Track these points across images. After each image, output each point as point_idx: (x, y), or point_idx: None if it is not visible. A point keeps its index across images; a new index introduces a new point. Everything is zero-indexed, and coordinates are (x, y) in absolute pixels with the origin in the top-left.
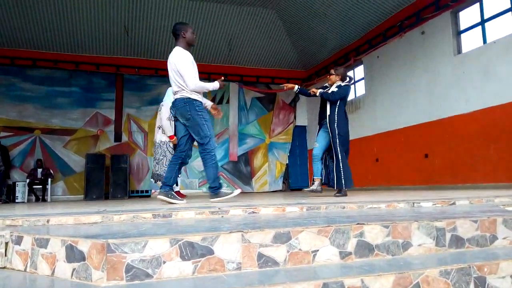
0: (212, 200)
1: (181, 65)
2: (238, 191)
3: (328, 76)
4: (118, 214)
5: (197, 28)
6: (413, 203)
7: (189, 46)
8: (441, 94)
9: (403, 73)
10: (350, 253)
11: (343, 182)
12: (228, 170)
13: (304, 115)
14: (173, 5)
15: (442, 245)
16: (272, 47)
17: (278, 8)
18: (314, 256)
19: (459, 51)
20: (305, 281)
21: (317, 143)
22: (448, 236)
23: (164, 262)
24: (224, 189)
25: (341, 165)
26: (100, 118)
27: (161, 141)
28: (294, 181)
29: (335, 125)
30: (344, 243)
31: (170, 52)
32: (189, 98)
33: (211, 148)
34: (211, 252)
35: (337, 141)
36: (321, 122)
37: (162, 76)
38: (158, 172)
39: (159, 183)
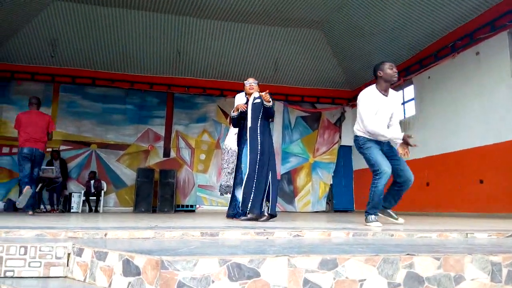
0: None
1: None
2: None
3: None
4: (169, 231)
5: (245, 49)
6: (467, 233)
7: (386, 83)
8: (496, 118)
9: (455, 95)
10: (399, 285)
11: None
12: None
13: (350, 135)
14: (222, 28)
15: (498, 281)
16: (318, 67)
17: (324, 28)
18: (361, 285)
19: None
20: None
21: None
22: (504, 271)
23: (213, 282)
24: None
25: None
26: (151, 134)
27: (230, 148)
28: (338, 202)
29: None
30: (392, 273)
31: (218, 74)
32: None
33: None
34: (257, 274)
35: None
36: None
37: (209, 95)
38: (228, 184)
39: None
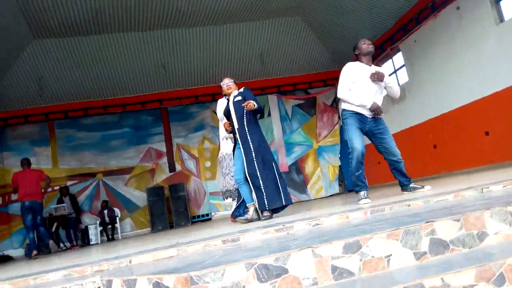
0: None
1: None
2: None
3: None
4: (191, 245)
5: (229, 49)
6: (482, 188)
7: (365, 56)
8: (489, 67)
9: (444, 53)
10: (424, 253)
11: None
12: None
13: None
14: (203, 33)
15: None
16: (304, 53)
17: (304, 13)
18: (388, 261)
19: (501, 19)
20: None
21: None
22: None
23: (244, 287)
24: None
25: None
26: (153, 153)
27: (226, 154)
28: (350, 182)
29: None
30: (416, 243)
31: (207, 79)
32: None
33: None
34: (285, 271)
35: None
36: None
37: (202, 102)
38: (228, 188)
39: (230, 200)
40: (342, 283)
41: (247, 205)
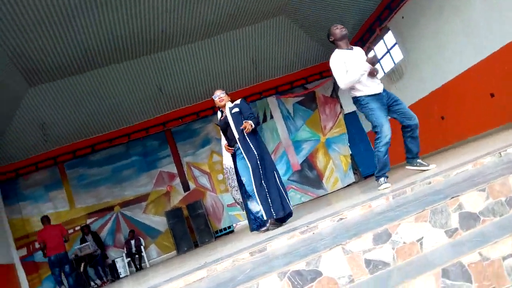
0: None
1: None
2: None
3: None
4: (219, 263)
5: (222, 60)
6: (500, 152)
7: (341, 41)
8: (483, 28)
9: (434, 22)
10: (456, 229)
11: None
12: (295, 180)
13: (350, 101)
14: (194, 50)
15: None
16: (296, 49)
17: (287, 11)
18: (420, 244)
19: None
20: (422, 273)
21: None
22: None
23: None
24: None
25: None
26: (165, 176)
27: (230, 167)
28: (365, 169)
29: None
30: (446, 221)
31: (205, 93)
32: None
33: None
34: (319, 274)
35: None
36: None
37: (204, 117)
38: (237, 198)
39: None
40: (379, 276)
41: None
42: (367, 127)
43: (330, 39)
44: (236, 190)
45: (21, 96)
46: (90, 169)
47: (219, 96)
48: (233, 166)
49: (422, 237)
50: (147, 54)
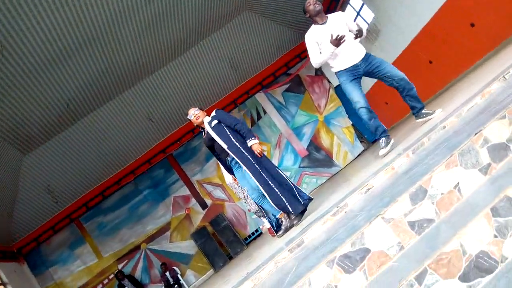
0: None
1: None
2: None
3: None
4: (261, 270)
5: (201, 72)
6: (503, 76)
7: (317, 16)
8: None
9: None
10: (489, 164)
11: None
12: (307, 166)
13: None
14: (172, 70)
15: None
16: (269, 39)
17: (249, 6)
18: (458, 190)
19: None
20: (471, 219)
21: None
22: None
23: (336, 286)
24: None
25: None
26: (180, 200)
27: (230, 183)
28: (369, 134)
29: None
30: (476, 159)
31: (192, 107)
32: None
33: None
34: (367, 251)
35: None
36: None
37: (199, 133)
38: (255, 209)
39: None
40: (427, 234)
41: (276, 216)
42: None
43: (307, 16)
44: (250, 200)
45: (18, 167)
46: (106, 215)
47: (193, 114)
48: (234, 181)
49: (458, 183)
50: (127, 89)
